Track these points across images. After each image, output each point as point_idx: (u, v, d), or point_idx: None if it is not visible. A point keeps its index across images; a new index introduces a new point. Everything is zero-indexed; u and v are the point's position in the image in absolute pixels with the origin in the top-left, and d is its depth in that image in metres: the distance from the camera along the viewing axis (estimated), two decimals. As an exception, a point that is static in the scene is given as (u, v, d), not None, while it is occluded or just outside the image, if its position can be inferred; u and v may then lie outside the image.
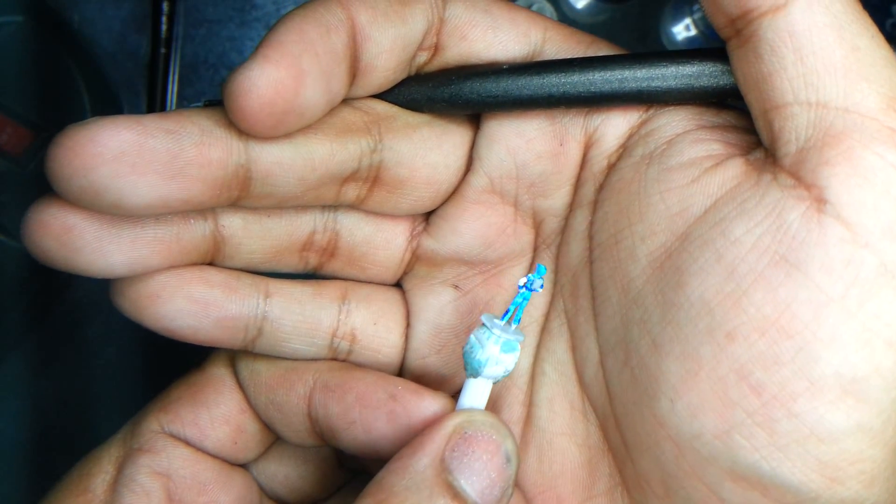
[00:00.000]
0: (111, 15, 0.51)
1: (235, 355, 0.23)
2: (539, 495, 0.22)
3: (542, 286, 0.20)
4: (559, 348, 0.24)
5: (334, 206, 0.23)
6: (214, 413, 0.22)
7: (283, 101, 0.19)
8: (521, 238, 0.24)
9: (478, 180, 0.23)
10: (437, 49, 0.22)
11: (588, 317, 0.23)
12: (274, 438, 0.24)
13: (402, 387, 0.20)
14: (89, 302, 0.51)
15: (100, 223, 0.20)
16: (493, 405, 0.23)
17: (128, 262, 0.21)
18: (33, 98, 0.47)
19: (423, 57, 0.22)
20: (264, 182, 0.20)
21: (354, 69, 0.21)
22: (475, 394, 0.20)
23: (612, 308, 0.22)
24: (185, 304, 0.22)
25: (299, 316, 0.23)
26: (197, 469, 0.22)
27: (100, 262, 0.21)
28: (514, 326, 0.21)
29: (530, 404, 0.24)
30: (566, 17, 0.57)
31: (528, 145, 0.23)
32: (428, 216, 0.25)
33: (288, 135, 0.20)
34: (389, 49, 0.21)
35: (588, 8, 0.56)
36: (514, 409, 0.24)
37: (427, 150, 0.23)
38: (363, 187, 0.22)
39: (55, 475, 0.52)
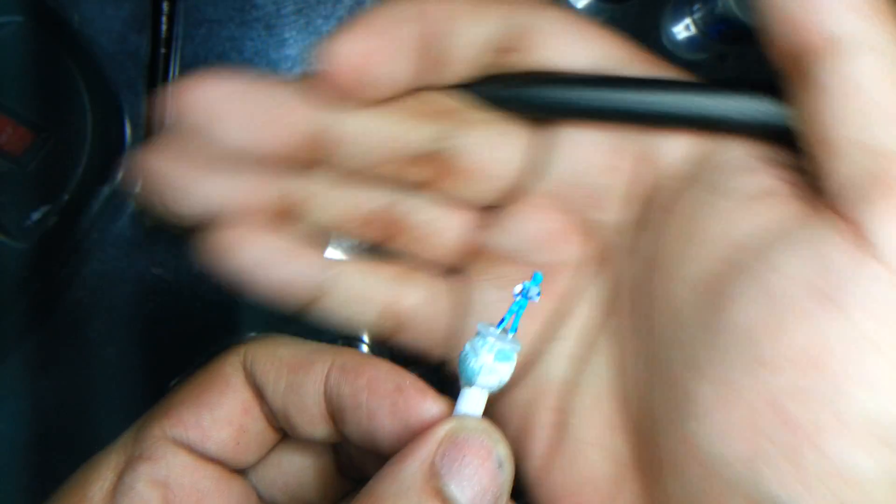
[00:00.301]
0: (111, 15, 0.51)
1: (250, 348, 0.23)
2: (562, 500, 0.22)
3: (538, 294, 0.20)
4: (599, 361, 0.24)
5: (402, 186, 0.25)
6: (217, 414, 0.22)
7: (360, 71, 0.21)
8: (571, 247, 0.25)
9: (536, 184, 0.24)
10: (513, 52, 0.23)
11: (631, 333, 0.23)
12: (276, 440, 0.24)
13: (410, 382, 0.21)
14: (90, 302, 0.51)
15: (197, 162, 0.23)
16: (525, 407, 0.24)
17: (215, 201, 0.23)
18: (33, 98, 0.47)
19: (499, 58, 0.23)
20: (342, 148, 0.22)
21: (429, 59, 0.23)
22: (470, 402, 0.20)
23: (656, 326, 0.22)
24: (262, 256, 0.24)
25: (359, 286, 0.25)
26: (196, 477, 0.22)
27: (192, 198, 0.24)
28: (510, 335, 0.20)
29: (565, 411, 0.24)
30: (566, 17, 0.57)
31: (589, 156, 0.24)
32: (485, 212, 0.26)
33: (368, 107, 0.22)
34: (465, 45, 0.23)
35: (588, 8, 0.56)
36: (546, 413, 0.24)
37: (493, 145, 0.24)
38: (431, 171, 0.24)
39: (55, 476, 0.52)
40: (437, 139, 0.24)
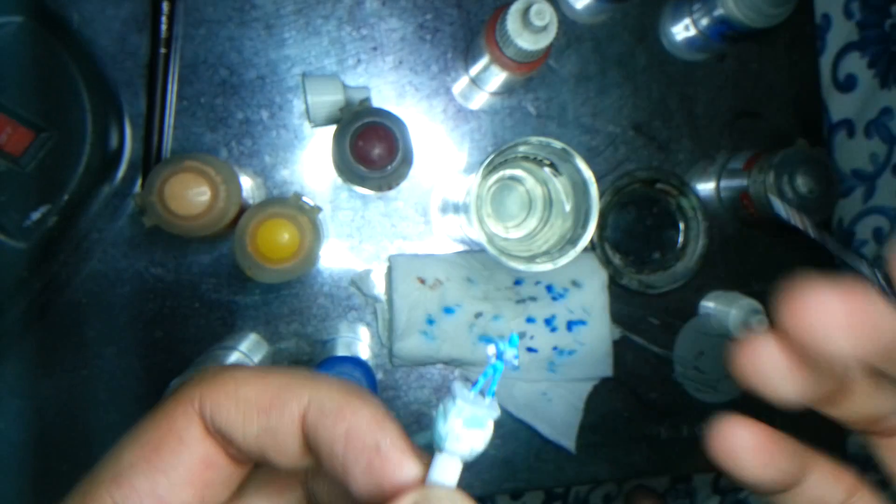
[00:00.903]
0: (111, 15, 0.51)
1: (204, 392, 0.20)
2: None
3: (516, 356, 0.19)
4: None
5: None
6: (174, 477, 0.20)
7: None
8: None
9: None
10: None
11: None
12: (246, 474, 0.22)
13: (391, 441, 0.19)
14: (89, 302, 0.51)
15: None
16: None
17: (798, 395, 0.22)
18: (33, 98, 0.47)
19: None
20: None
21: None
22: (441, 469, 0.18)
23: None
24: (748, 444, 0.21)
25: (820, 491, 0.23)
26: None
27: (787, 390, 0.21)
28: (487, 399, 0.19)
29: None
30: (566, 18, 0.57)
31: None
32: None
33: None
34: None
35: (587, 8, 0.56)
36: None
37: None
38: None
39: (54, 475, 0.52)
40: None
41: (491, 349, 0.19)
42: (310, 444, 0.20)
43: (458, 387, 0.19)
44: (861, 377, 0.22)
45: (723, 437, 0.22)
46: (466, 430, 0.18)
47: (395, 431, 0.19)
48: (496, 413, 0.18)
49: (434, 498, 0.17)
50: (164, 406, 0.21)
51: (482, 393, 0.18)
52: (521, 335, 0.54)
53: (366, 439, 0.19)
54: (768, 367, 0.21)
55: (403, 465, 0.19)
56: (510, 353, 0.18)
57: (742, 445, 0.22)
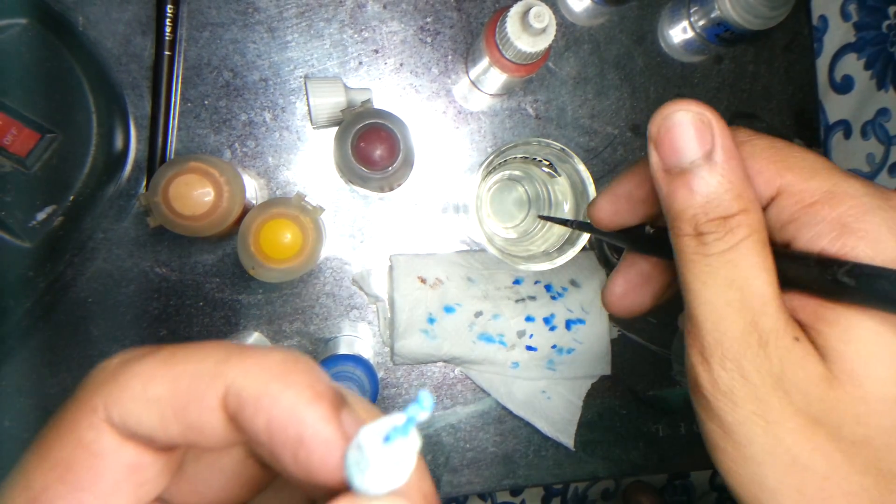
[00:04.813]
0: (116, 18, 0.52)
1: (107, 399, 0.18)
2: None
3: (425, 410, 0.16)
4: None
5: None
6: (100, 490, 0.18)
7: None
8: None
9: None
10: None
11: None
12: (180, 459, 0.20)
13: (314, 430, 0.17)
14: (94, 301, 0.52)
15: None
16: None
17: None
18: (38, 99, 0.47)
19: None
20: None
21: None
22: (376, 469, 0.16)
23: None
24: None
25: None
26: None
27: None
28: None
29: None
30: (565, 20, 0.57)
31: None
32: None
33: None
34: None
35: (586, 11, 0.56)
36: None
37: None
38: None
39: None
40: None
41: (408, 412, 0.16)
42: (239, 427, 0.18)
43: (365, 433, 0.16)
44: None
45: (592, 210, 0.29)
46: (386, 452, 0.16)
47: (319, 415, 0.17)
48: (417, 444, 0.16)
49: None
50: (64, 418, 0.18)
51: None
52: (521, 333, 0.55)
53: (288, 431, 0.17)
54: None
55: (332, 455, 0.17)
56: (414, 409, 0.16)
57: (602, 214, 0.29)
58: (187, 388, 0.18)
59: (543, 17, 0.43)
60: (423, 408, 0.16)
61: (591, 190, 0.46)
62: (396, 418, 0.16)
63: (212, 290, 0.53)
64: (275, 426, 0.17)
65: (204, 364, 0.18)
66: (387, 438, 0.16)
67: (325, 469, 0.17)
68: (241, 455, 0.21)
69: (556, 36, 0.45)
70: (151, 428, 0.18)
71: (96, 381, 0.18)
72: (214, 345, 0.19)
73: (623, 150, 0.58)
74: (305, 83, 0.52)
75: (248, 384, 0.17)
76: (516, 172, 0.54)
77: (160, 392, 0.18)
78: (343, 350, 0.51)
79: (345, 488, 0.16)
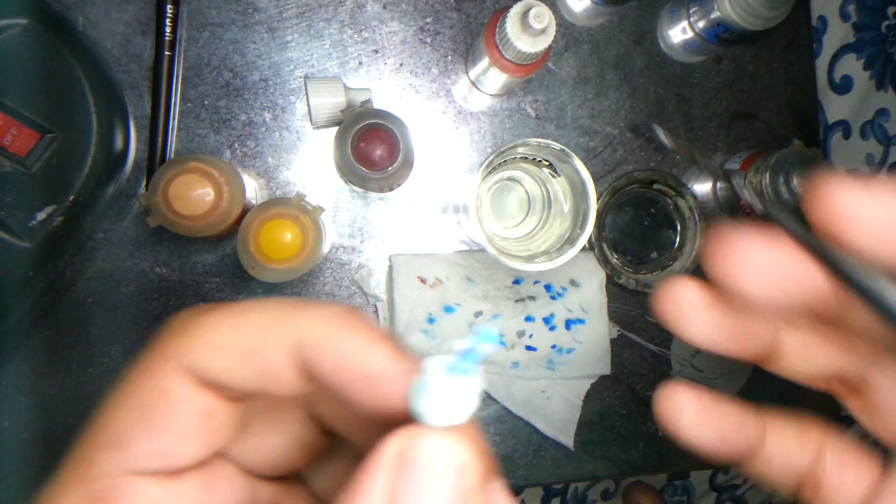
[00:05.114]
0: (115, 18, 0.52)
1: (183, 349, 0.19)
2: None
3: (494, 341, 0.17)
4: None
5: None
6: (176, 433, 0.19)
7: None
8: None
9: None
10: None
11: None
12: (248, 411, 0.21)
13: (380, 366, 0.18)
14: (94, 301, 0.52)
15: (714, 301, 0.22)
16: None
17: (712, 338, 0.22)
18: (38, 99, 0.47)
19: None
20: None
21: None
22: (431, 398, 0.17)
23: None
24: (698, 416, 0.22)
25: (783, 453, 0.23)
26: (173, 499, 0.19)
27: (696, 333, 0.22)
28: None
29: None
30: (565, 20, 0.57)
31: None
32: None
33: None
34: None
35: (586, 11, 0.56)
36: None
37: None
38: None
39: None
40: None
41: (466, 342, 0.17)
42: (308, 375, 0.19)
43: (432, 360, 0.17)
44: (788, 330, 0.22)
45: (664, 402, 0.21)
46: (450, 378, 0.16)
47: (384, 352, 0.18)
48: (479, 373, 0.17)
49: (420, 438, 0.16)
50: (142, 367, 0.20)
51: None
52: (521, 333, 0.55)
53: (355, 371, 0.18)
54: (685, 307, 0.21)
55: (398, 388, 0.18)
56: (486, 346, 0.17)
57: (683, 410, 0.22)
58: (258, 336, 0.19)
59: (543, 18, 0.43)
60: (486, 339, 0.17)
61: (591, 190, 0.46)
62: (460, 350, 0.17)
63: (212, 290, 0.53)
64: (342, 367, 0.18)
65: (271, 314, 0.19)
66: (451, 369, 0.16)
67: (392, 402, 0.18)
68: (302, 419, 0.22)
69: (555, 36, 0.45)
70: (226, 374, 0.19)
71: (171, 333, 0.19)
72: (278, 299, 0.20)
73: (622, 151, 0.59)
74: (305, 83, 0.52)
75: (315, 330, 0.18)
76: (516, 172, 0.54)
77: (233, 340, 0.19)
78: (343, 350, 0.51)
79: (410, 421, 0.17)
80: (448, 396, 0.16)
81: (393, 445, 0.16)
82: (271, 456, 0.22)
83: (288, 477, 0.23)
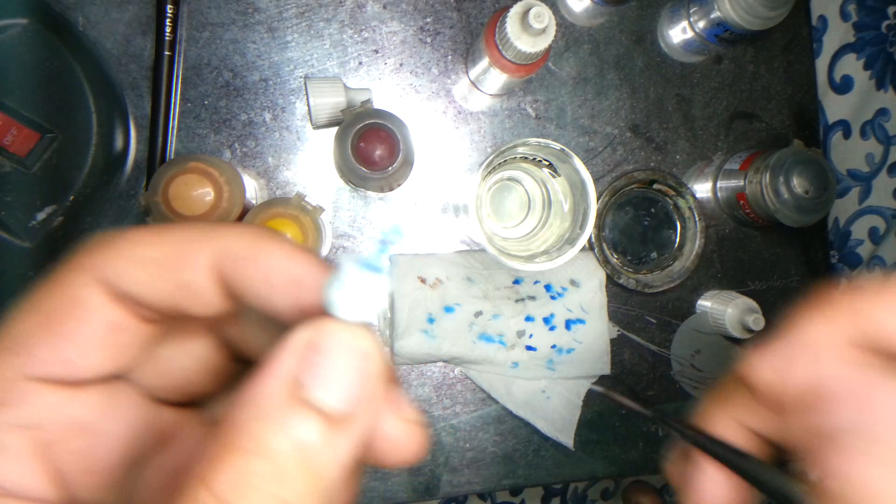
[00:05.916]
0: (116, 18, 0.52)
1: (100, 258, 0.19)
2: None
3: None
4: None
5: None
6: (81, 342, 0.19)
7: None
8: None
9: None
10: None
11: None
12: (159, 332, 0.21)
13: (309, 271, 0.19)
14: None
15: None
16: None
17: None
18: (38, 100, 0.47)
19: None
20: None
21: None
22: (341, 301, 0.17)
23: None
24: None
25: None
26: (71, 409, 0.19)
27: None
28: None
29: None
30: (565, 20, 0.57)
31: None
32: None
33: None
34: None
35: (586, 11, 0.56)
36: None
37: None
38: None
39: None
40: None
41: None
42: (228, 290, 0.19)
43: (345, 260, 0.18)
44: None
45: (695, 486, 0.23)
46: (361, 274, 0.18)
47: (311, 260, 0.19)
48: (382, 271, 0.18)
49: (327, 326, 0.17)
50: (56, 276, 0.19)
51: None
52: (521, 333, 0.55)
53: (285, 276, 0.19)
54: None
55: (319, 293, 0.18)
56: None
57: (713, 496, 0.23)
58: (178, 250, 0.19)
59: (543, 18, 0.43)
60: (394, 234, 0.18)
61: (591, 190, 0.46)
62: (373, 249, 0.18)
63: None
64: (272, 274, 0.18)
65: (193, 231, 0.19)
66: (361, 264, 0.17)
67: (312, 308, 0.18)
68: (210, 345, 0.22)
69: (555, 36, 0.45)
70: (142, 287, 0.19)
71: (90, 245, 0.19)
72: (200, 221, 0.20)
73: (622, 150, 0.59)
74: (305, 83, 0.52)
75: (238, 243, 0.19)
76: (516, 172, 0.54)
77: (152, 253, 0.19)
78: (343, 350, 0.51)
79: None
80: (357, 289, 0.17)
81: (301, 334, 0.17)
82: (177, 381, 0.22)
83: (191, 404, 0.22)
